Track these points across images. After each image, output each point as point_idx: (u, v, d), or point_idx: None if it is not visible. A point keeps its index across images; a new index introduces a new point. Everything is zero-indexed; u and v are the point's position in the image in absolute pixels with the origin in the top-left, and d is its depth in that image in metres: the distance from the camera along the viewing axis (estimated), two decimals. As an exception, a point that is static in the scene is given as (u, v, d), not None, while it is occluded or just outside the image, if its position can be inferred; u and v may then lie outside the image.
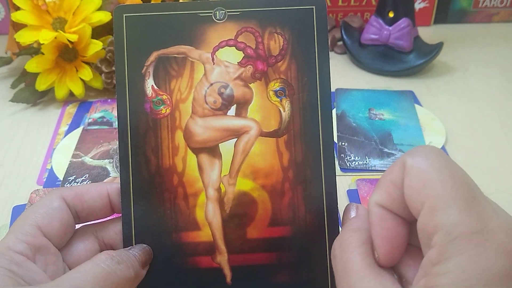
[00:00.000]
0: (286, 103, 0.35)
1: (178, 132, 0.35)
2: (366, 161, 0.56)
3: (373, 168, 0.55)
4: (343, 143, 0.58)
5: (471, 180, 0.25)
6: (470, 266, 0.22)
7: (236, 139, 0.35)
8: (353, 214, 0.32)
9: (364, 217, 0.30)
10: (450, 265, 0.23)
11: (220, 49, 0.35)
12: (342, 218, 0.32)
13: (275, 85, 0.35)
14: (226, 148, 0.35)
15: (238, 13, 0.35)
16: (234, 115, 0.35)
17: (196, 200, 0.35)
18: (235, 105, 0.35)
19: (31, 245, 0.31)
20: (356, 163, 0.56)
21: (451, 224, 0.23)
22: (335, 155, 0.56)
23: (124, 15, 0.35)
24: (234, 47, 0.35)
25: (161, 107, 0.35)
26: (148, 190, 0.35)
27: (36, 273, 0.30)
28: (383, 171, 0.55)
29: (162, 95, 0.35)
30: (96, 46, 0.64)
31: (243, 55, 0.35)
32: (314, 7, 0.35)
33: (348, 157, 0.56)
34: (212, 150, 0.35)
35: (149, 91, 0.35)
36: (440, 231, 0.23)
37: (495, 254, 0.22)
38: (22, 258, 0.30)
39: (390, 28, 0.73)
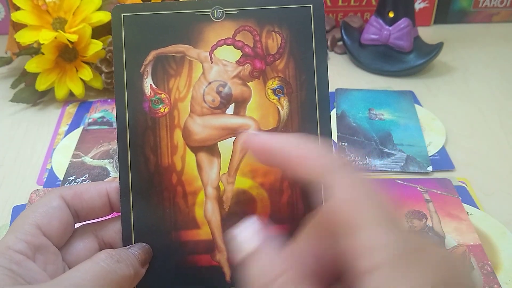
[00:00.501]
0: (284, 102, 0.35)
1: (176, 131, 0.35)
2: (366, 161, 0.56)
3: (373, 168, 0.55)
4: (343, 143, 0.58)
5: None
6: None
7: (235, 137, 0.35)
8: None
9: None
10: None
11: (218, 48, 0.35)
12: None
13: (273, 84, 0.35)
14: (225, 146, 0.35)
15: (235, 12, 0.35)
16: (232, 113, 0.35)
17: (195, 198, 0.35)
18: (233, 104, 0.35)
19: (30, 244, 0.31)
20: (356, 163, 0.56)
21: (372, 247, 0.21)
22: (335, 155, 0.56)
23: (122, 14, 0.35)
24: (232, 46, 0.35)
25: (160, 106, 0.35)
26: (147, 189, 0.35)
27: (36, 272, 0.30)
28: (383, 171, 0.55)
29: (161, 94, 0.35)
30: (96, 46, 0.64)
31: (241, 53, 0.35)
32: (311, 5, 0.35)
33: (348, 157, 0.56)
34: (211, 149, 0.35)
35: (147, 90, 0.35)
36: (364, 253, 0.22)
37: (431, 280, 0.21)
38: (22, 257, 0.30)
39: (390, 28, 0.73)
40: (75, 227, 0.35)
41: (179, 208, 0.35)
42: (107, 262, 0.30)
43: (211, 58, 0.35)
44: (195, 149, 0.35)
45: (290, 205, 0.35)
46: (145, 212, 0.35)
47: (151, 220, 0.35)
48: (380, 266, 0.21)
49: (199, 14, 0.35)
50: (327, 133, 0.35)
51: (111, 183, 0.36)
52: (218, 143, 0.35)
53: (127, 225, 0.35)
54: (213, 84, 0.35)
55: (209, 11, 0.35)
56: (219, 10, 0.35)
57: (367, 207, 0.22)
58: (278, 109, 0.35)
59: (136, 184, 0.35)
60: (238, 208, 0.35)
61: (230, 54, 0.35)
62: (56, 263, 0.32)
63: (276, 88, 0.35)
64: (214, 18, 0.35)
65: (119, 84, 0.35)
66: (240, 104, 0.35)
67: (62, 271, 0.32)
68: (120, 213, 0.35)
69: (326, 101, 0.35)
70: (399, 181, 0.53)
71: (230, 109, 0.35)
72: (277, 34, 0.35)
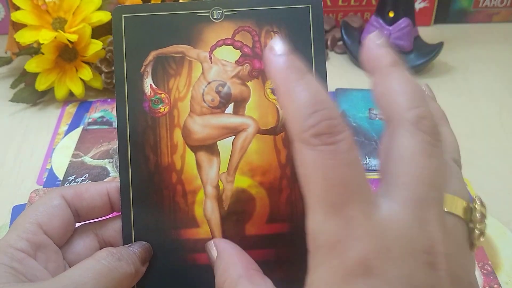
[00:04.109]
0: None
1: (176, 130, 0.35)
2: (366, 161, 0.56)
3: (373, 168, 0.55)
4: (342, 143, 0.59)
5: (352, 175, 0.23)
6: (332, 279, 0.21)
7: (234, 137, 0.35)
8: (214, 254, 0.32)
9: (227, 250, 0.31)
10: (315, 277, 0.22)
11: (218, 48, 0.35)
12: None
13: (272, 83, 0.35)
14: (224, 145, 0.35)
15: (235, 12, 0.35)
16: (231, 113, 0.36)
17: (195, 197, 0.35)
18: (232, 103, 0.36)
19: (32, 243, 0.31)
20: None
21: (315, 231, 0.22)
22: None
23: (123, 15, 0.35)
24: (231, 46, 0.35)
25: (160, 106, 0.35)
26: (147, 188, 0.35)
27: (37, 270, 0.30)
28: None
29: (161, 94, 0.35)
30: (96, 46, 0.64)
31: (240, 53, 0.35)
32: (310, 6, 0.35)
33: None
34: (210, 148, 0.35)
35: (147, 90, 0.35)
36: (309, 236, 0.23)
37: (352, 265, 0.21)
38: (23, 255, 0.30)
39: (390, 28, 0.73)
40: (76, 226, 0.35)
41: (179, 207, 0.35)
42: (108, 260, 0.31)
43: (210, 58, 0.35)
44: (195, 148, 0.35)
45: (289, 204, 0.35)
46: (145, 211, 0.35)
47: (151, 219, 0.35)
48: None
49: (198, 14, 0.35)
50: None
51: (112, 182, 0.36)
52: (218, 142, 0.35)
53: (127, 224, 0.35)
54: (213, 84, 0.35)
55: (209, 11, 0.35)
56: (218, 11, 0.35)
57: (313, 189, 0.23)
58: (277, 108, 0.35)
59: (136, 183, 0.35)
60: (237, 207, 0.35)
61: (229, 54, 0.36)
62: (57, 261, 0.32)
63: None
64: (214, 18, 0.36)
65: (119, 84, 0.35)
66: (239, 104, 0.35)
67: (63, 269, 0.32)
68: (120, 213, 0.35)
69: None
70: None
71: (230, 108, 0.36)
72: (276, 34, 0.35)
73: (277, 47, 0.25)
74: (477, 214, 0.25)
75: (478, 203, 0.25)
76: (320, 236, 0.22)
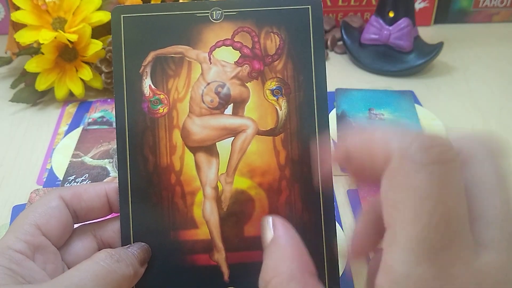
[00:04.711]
0: (283, 102, 0.35)
1: (175, 131, 0.35)
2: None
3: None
4: (342, 143, 0.59)
5: (460, 209, 0.19)
6: None
7: (233, 137, 0.35)
8: (269, 235, 0.27)
9: (285, 238, 0.27)
10: None
11: (217, 48, 0.35)
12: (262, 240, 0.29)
13: (272, 84, 0.35)
14: (223, 146, 0.35)
15: (234, 13, 0.35)
16: (231, 114, 0.35)
17: (194, 198, 0.35)
18: (232, 104, 0.35)
19: (30, 244, 0.31)
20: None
21: (400, 273, 0.19)
22: (334, 155, 0.56)
23: (122, 15, 0.35)
24: (230, 47, 0.35)
25: (159, 107, 0.35)
26: (146, 189, 0.35)
27: (35, 271, 0.30)
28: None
29: (160, 94, 0.35)
30: (96, 46, 0.64)
31: (240, 54, 0.35)
32: (310, 6, 0.35)
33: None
34: (210, 149, 0.35)
35: (146, 91, 0.35)
36: (388, 274, 0.19)
37: None
38: (21, 257, 0.30)
39: (390, 28, 0.73)
40: (74, 227, 0.35)
41: (177, 208, 0.35)
42: (107, 261, 0.31)
43: (210, 59, 0.35)
44: (194, 149, 0.35)
45: (288, 205, 0.35)
46: (144, 212, 0.35)
47: (150, 220, 0.35)
48: None
49: (198, 15, 0.35)
50: (325, 133, 0.35)
51: (110, 183, 0.36)
52: (217, 143, 0.35)
53: (126, 225, 0.35)
54: (212, 84, 0.35)
55: (208, 12, 0.35)
56: (218, 11, 0.35)
57: (403, 227, 0.19)
58: (277, 109, 0.35)
59: (135, 184, 0.35)
60: (236, 208, 0.35)
61: (228, 55, 0.35)
62: (55, 263, 0.32)
63: (275, 89, 0.35)
64: (213, 19, 0.35)
65: (118, 85, 0.35)
66: (239, 105, 0.35)
67: (61, 270, 0.32)
68: (119, 214, 0.35)
69: (324, 101, 0.35)
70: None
71: (229, 109, 0.35)
72: (276, 35, 0.35)
73: None
74: None
75: None
76: (406, 280, 0.19)
